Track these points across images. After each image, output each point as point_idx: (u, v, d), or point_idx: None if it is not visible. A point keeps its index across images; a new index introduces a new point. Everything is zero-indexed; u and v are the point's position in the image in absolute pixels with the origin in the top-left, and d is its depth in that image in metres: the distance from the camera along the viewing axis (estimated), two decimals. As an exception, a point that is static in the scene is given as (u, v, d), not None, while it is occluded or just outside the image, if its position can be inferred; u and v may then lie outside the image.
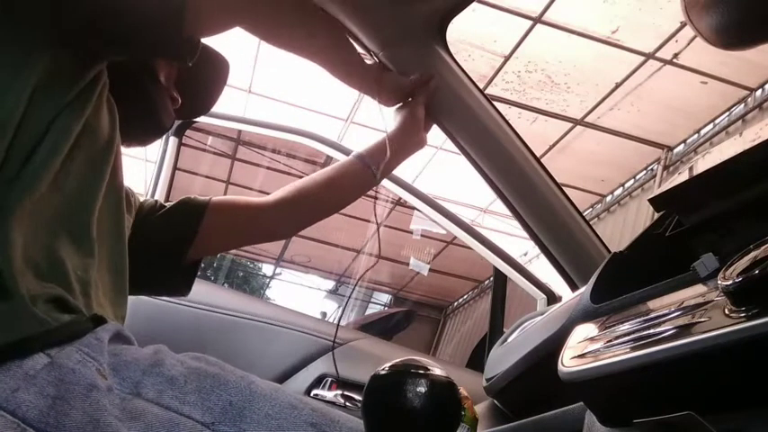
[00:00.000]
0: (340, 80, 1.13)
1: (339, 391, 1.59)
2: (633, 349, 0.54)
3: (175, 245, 1.09)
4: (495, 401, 1.20)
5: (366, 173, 1.16)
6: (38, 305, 0.67)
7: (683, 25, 4.23)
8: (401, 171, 1.56)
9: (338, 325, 1.55)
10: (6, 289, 0.66)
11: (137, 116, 0.95)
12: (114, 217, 0.87)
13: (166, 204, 1.12)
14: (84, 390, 0.62)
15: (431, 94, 1.21)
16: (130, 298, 0.95)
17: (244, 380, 0.71)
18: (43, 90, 0.74)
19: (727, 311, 0.48)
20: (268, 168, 6.72)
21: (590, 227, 1.45)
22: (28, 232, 0.70)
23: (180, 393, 0.67)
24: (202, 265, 1.18)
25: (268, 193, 1.17)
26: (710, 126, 5.41)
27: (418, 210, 1.83)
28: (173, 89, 1.04)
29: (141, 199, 1.12)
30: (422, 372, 0.71)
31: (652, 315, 0.59)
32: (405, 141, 1.21)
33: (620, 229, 5.96)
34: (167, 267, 1.09)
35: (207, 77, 1.13)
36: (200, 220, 1.09)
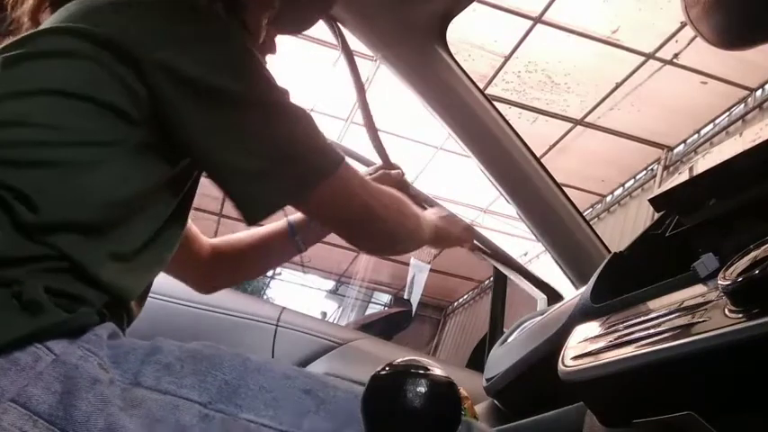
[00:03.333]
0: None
1: (339, 391, 1.59)
2: (633, 349, 0.54)
3: None
4: (495, 401, 1.20)
5: (291, 244, 1.17)
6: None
7: (683, 25, 4.22)
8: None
9: (283, 308, 1.56)
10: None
11: None
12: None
13: None
14: (89, 383, 0.65)
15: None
16: None
17: (238, 357, 0.74)
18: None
19: (727, 311, 0.48)
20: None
21: (590, 227, 1.45)
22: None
23: (177, 378, 0.69)
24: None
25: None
26: (710, 126, 5.41)
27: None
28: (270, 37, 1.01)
29: None
30: (422, 372, 0.71)
31: (652, 315, 0.59)
32: None
33: (620, 229, 5.96)
34: None
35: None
36: None
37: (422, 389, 0.69)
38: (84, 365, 0.66)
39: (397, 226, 0.97)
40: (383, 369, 0.73)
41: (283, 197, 0.82)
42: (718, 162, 0.67)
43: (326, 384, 0.75)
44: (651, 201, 0.75)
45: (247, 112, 0.81)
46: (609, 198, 6.55)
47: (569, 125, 5.61)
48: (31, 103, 0.75)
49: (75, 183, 0.74)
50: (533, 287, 1.79)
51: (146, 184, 0.79)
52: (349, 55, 1.23)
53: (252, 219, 0.82)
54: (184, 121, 0.78)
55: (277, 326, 1.47)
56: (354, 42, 1.24)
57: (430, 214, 1.14)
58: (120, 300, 0.78)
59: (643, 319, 0.60)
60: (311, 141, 0.84)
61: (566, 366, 0.63)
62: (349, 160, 1.03)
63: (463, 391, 0.82)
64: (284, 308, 1.63)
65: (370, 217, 0.92)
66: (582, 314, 0.76)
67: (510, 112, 5.29)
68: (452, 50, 1.26)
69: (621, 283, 0.73)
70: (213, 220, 6.97)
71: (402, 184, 1.22)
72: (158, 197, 0.81)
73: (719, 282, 0.50)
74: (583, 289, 0.81)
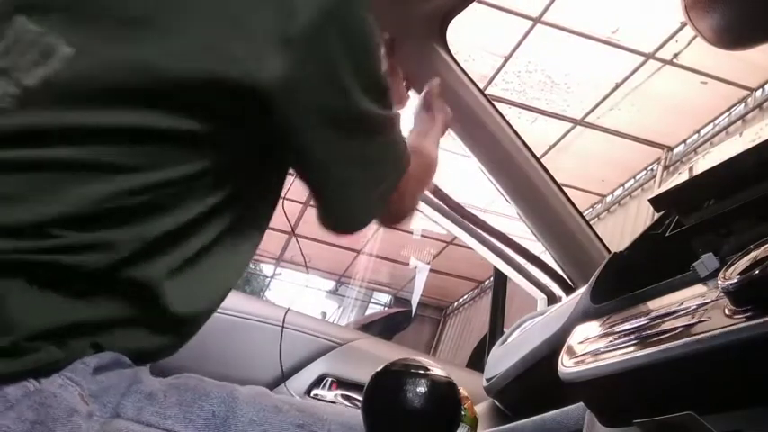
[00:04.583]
0: None
1: (339, 391, 1.59)
2: (633, 349, 0.54)
3: None
4: (495, 401, 1.20)
5: None
6: None
7: (683, 25, 4.22)
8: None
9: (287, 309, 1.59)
10: None
11: None
12: None
13: None
14: (65, 414, 0.60)
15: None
16: None
17: (225, 389, 0.70)
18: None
19: (727, 311, 0.48)
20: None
21: (590, 227, 1.45)
22: None
23: (160, 408, 0.65)
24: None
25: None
26: (710, 126, 5.40)
27: (418, 210, 1.82)
28: None
29: None
30: (422, 372, 0.71)
31: (652, 315, 0.60)
32: None
33: (620, 229, 5.95)
34: None
35: None
36: None
37: (422, 389, 0.70)
38: (63, 394, 0.60)
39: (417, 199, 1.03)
40: (383, 369, 0.73)
41: (377, 212, 0.84)
42: (718, 162, 0.67)
43: (320, 418, 0.71)
44: (651, 201, 0.75)
45: (375, 131, 0.78)
46: (609, 198, 6.55)
47: (569, 125, 5.61)
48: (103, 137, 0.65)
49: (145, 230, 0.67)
50: (533, 287, 1.79)
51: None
52: None
53: (344, 232, 0.83)
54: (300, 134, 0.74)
55: (277, 326, 1.47)
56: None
57: (425, 155, 1.10)
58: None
59: (643, 319, 0.60)
60: (399, 154, 0.84)
61: (565, 366, 0.63)
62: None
63: (463, 391, 0.82)
64: (288, 308, 1.62)
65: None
66: (582, 314, 0.76)
67: (510, 112, 5.29)
68: (452, 50, 1.26)
69: (621, 283, 0.73)
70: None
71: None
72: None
73: (719, 282, 0.50)
74: (583, 289, 0.81)
